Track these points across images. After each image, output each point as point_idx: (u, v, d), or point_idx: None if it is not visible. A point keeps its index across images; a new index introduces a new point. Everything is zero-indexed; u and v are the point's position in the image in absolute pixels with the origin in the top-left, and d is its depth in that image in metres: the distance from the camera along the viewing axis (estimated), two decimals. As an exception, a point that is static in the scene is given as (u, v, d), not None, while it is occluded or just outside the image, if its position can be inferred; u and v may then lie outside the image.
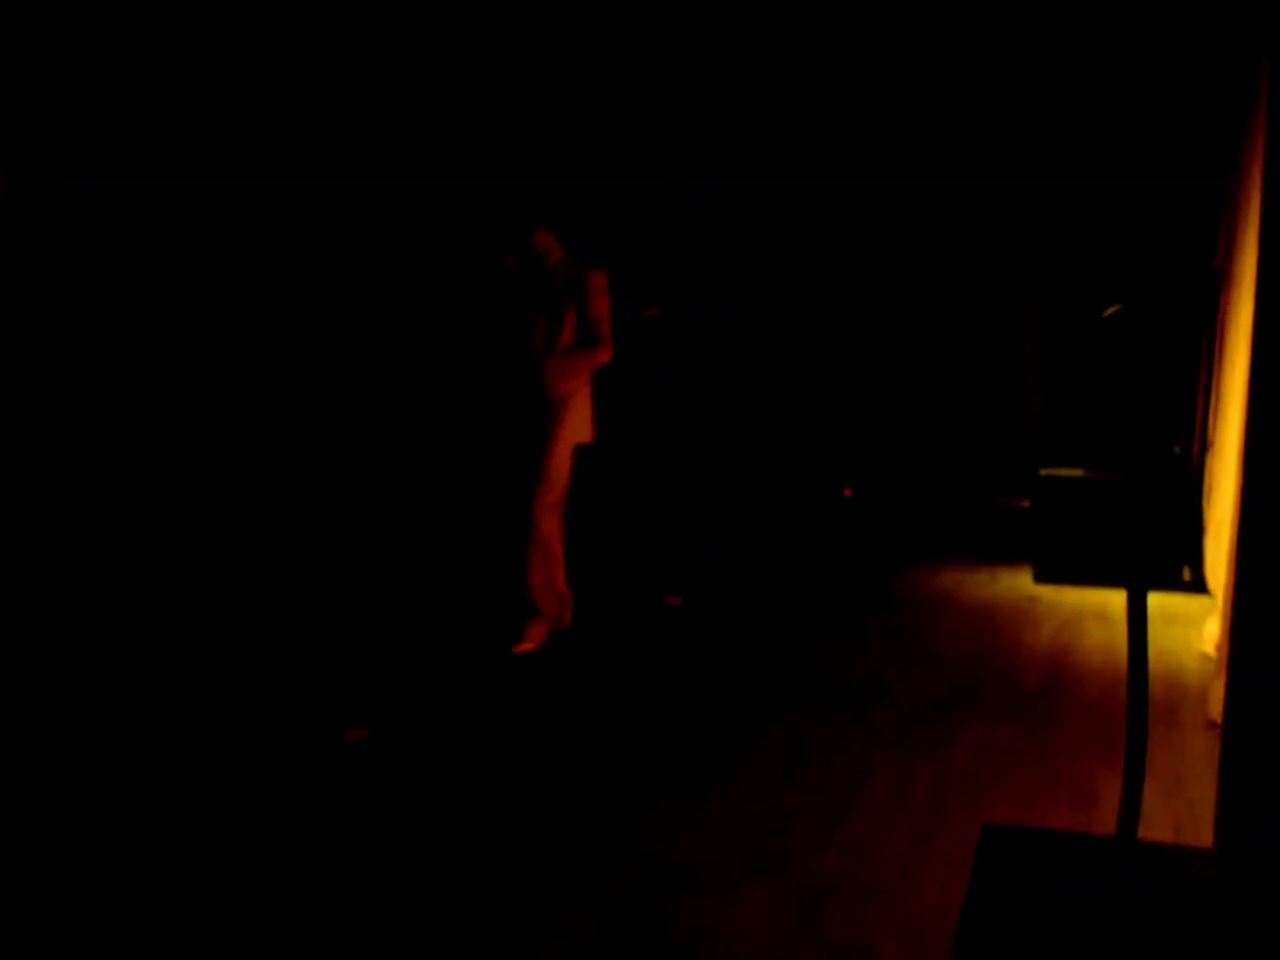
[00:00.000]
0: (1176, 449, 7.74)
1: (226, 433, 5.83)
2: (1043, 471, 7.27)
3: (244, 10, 5.50)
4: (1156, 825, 3.33)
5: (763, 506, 8.34)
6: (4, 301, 4.75)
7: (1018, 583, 7.26)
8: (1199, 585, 6.85)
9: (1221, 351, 6.52)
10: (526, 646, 5.35)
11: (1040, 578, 7.26)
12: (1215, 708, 4.30)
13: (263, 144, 5.78)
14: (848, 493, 8.46)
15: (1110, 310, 8.29)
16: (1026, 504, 9.20)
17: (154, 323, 5.46)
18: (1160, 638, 5.78)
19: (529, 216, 5.38)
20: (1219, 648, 5.34)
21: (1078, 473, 7.32)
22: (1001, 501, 9.91)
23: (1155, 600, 6.68)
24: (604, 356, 5.37)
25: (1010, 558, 8.05)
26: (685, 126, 7.66)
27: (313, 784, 3.68)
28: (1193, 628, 5.95)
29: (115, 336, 5.30)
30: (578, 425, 5.42)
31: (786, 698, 4.67)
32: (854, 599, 6.74)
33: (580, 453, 5.43)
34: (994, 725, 4.35)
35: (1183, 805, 3.51)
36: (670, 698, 4.65)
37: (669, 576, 6.87)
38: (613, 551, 7.02)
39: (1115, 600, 6.75)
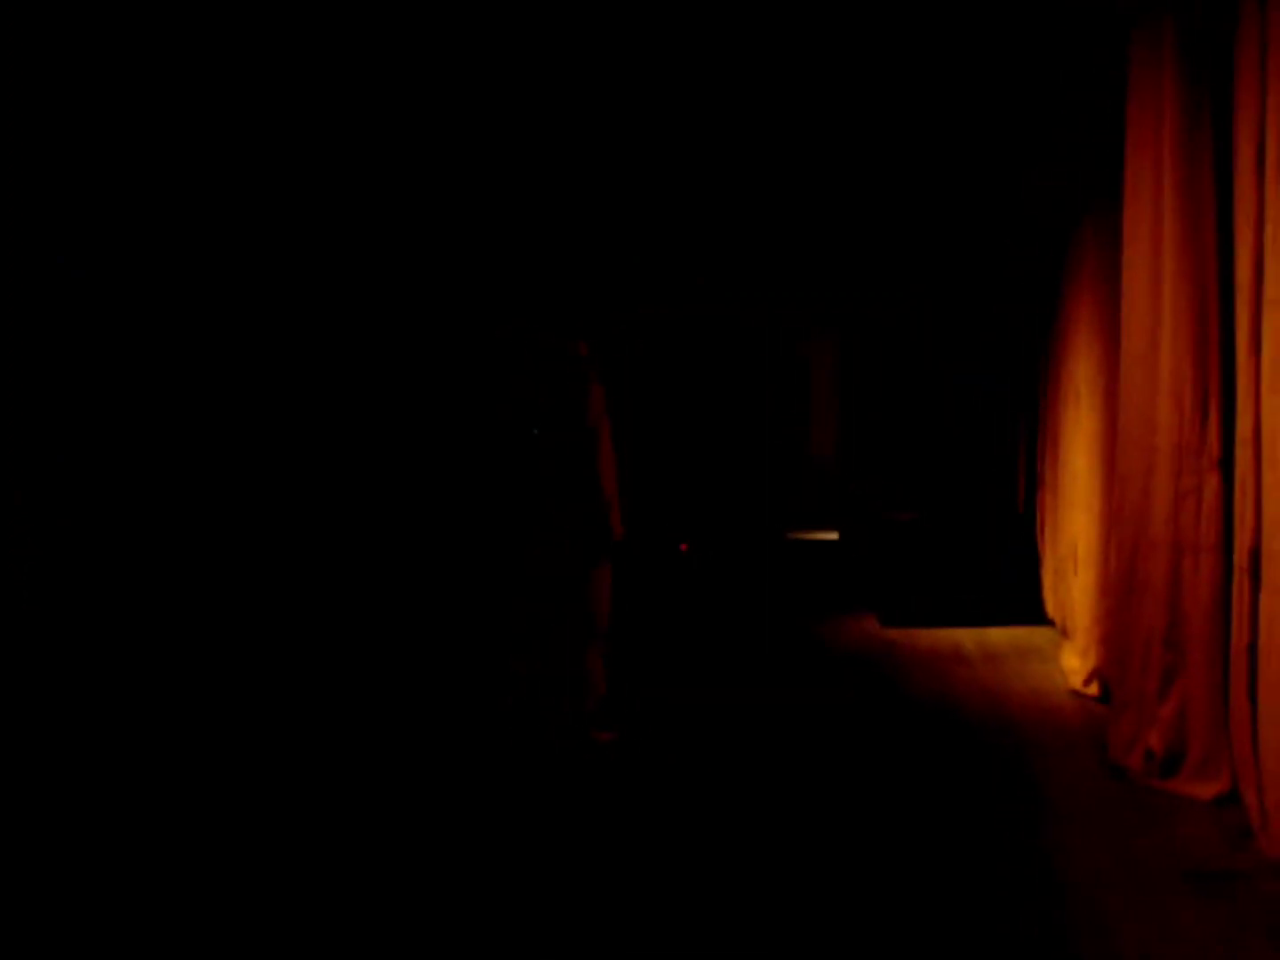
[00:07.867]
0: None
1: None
2: (883, 515, 7.38)
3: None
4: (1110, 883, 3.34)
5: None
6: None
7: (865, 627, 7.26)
8: (1038, 617, 7.06)
9: (1057, 398, 6.71)
10: None
11: (887, 622, 7.28)
12: (1117, 750, 4.38)
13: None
14: (684, 547, 8.36)
15: None
16: (829, 537, 9.18)
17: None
18: (1026, 675, 5.91)
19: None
20: (1088, 684, 5.51)
21: (913, 515, 7.47)
22: (796, 535, 9.71)
23: (1004, 634, 6.86)
24: None
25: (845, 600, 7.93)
26: None
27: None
28: (1051, 662, 6.10)
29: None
30: None
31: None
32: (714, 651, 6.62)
33: None
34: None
35: (1125, 861, 3.52)
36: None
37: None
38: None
39: (967, 638, 6.84)
